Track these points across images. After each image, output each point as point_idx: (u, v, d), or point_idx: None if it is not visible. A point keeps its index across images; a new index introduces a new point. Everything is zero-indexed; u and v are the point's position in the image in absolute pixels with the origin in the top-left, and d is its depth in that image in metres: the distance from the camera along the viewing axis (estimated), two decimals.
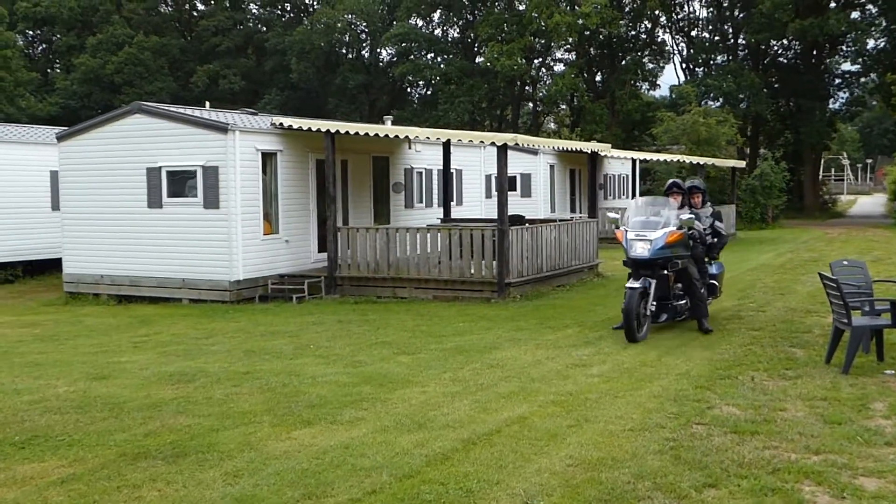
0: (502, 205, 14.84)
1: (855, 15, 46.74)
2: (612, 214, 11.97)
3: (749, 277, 17.57)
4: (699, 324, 11.25)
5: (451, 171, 21.58)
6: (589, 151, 18.43)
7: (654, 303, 10.84)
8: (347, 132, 15.85)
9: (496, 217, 15.26)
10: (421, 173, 20.81)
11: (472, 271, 15.16)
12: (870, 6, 48.34)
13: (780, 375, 8.66)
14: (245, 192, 15.58)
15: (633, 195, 32.43)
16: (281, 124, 16.34)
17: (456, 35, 57.59)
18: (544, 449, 6.34)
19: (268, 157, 16.22)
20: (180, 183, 15.98)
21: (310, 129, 16.18)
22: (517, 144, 14.89)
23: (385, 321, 13.01)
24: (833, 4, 46.14)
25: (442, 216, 19.86)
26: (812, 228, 34.73)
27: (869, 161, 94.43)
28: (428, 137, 16.22)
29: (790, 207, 42.58)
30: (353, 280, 16.07)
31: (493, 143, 14.92)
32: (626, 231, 10.98)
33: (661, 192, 35.48)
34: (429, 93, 57.38)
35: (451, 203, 21.44)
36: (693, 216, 11.21)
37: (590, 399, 7.80)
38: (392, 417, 7.28)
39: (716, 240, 12.11)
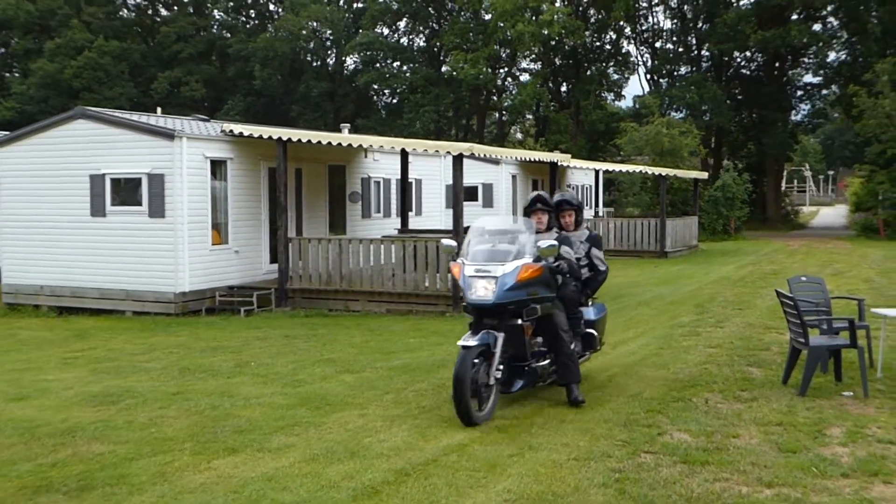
0: (458, 216, 14.44)
1: (817, 27, 47.14)
2: (447, 241, 8.16)
3: (709, 291, 17.33)
4: (568, 392, 8.08)
5: (410, 180, 21.21)
6: (549, 162, 18.09)
7: (501, 366, 7.55)
8: (300, 140, 15.38)
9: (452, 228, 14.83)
10: (379, 183, 20.38)
11: (427, 284, 14.74)
12: (831, 19, 48.83)
13: (735, 397, 8.32)
14: (192, 200, 15.04)
15: (597, 205, 32.27)
16: (231, 131, 15.83)
17: (422, 44, 57.35)
18: (482, 481, 5.92)
19: (217, 165, 15.70)
20: (125, 191, 15.40)
21: (261, 137, 15.69)
22: (473, 154, 14.51)
23: (333, 336, 12.54)
24: (795, 17, 46.48)
25: (400, 227, 19.42)
26: (774, 240, 34.77)
27: (831, 173, 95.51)
28: (382, 146, 15.81)
29: (753, 219, 42.70)
30: (304, 292, 15.57)
31: (448, 153, 14.52)
32: (464, 265, 7.68)
33: (626, 202, 34.99)
34: (395, 102, 57.04)
35: (410, 213, 21.04)
36: (556, 243, 7.67)
37: (536, 424, 7.40)
38: (324, 444, 6.82)
39: (592, 274, 8.94)
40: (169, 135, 14.80)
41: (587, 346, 8.79)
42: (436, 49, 54.81)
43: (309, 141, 15.37)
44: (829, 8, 47.17)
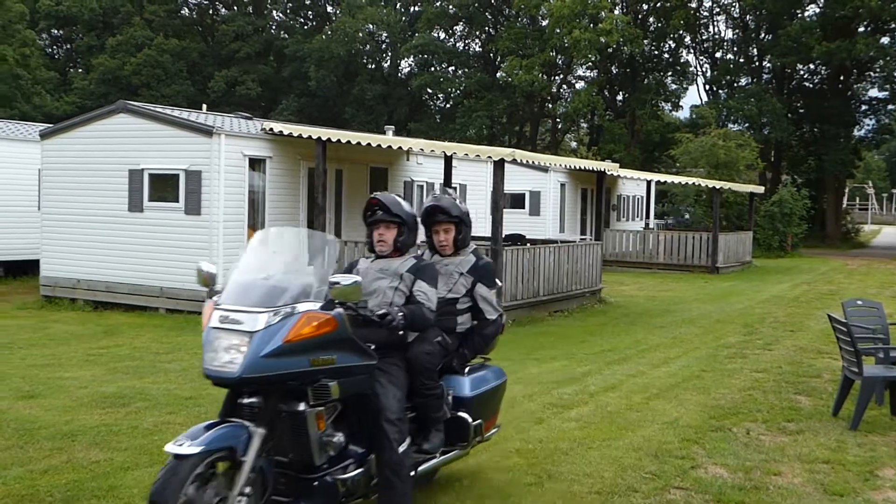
0: (497, 223, 13.97)
1: (884, 40, 45.61)
2: (206, 266, 4.91)
3: (759, 310, 16.58)
4: None
5: (455, 185, 20.79)
6: (596, 170, 17.53)
7: (247, 484, 4.23)
8: (339, 140, 15.06)
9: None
10: (422, 186, 19.98)
11: None
12: None
13: (779, 429, 7.72)
14: (229, 198, 14.81)
15: (647, 217, 31.51)
16: (271, 129, 15.58)
17: (477, 49, 56.99)
18: None
19: (256, 164, 15.45)
20: (163, 187, 15.24)
21: (300, 136, 15.41)
22: (515, 160, 14.03)
23: None
24: (862, 29, 45.02)
25: None
26: (832, 259, 33.57)
27: (895, 191, 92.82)
28: (422, 149, 15.41)
29: (811, 236, 41.37)
30: None
31: (489, 158, 14.07)
32: (216, 307, 4.53)
33: (675, 213, 34.09)
34: (448, 106, 56.76)
35: None
36: (358, 280, 4.44)
37: (559, 450, 6.90)
38: None
39: (476, 324, 5.92)
40: (207, 131, 14.59)
41: (456, 438, 5.55)
42: (491, 54, 54.39)
43: (349, 141, 15.05)
44: None
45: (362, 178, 18.15)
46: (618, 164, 18.42)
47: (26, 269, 19.66)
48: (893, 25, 46.26)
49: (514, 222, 25.11)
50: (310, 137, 15.28)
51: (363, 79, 53.45)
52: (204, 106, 19.46)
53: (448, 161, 18.77)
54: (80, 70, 58.65)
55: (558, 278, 15.89)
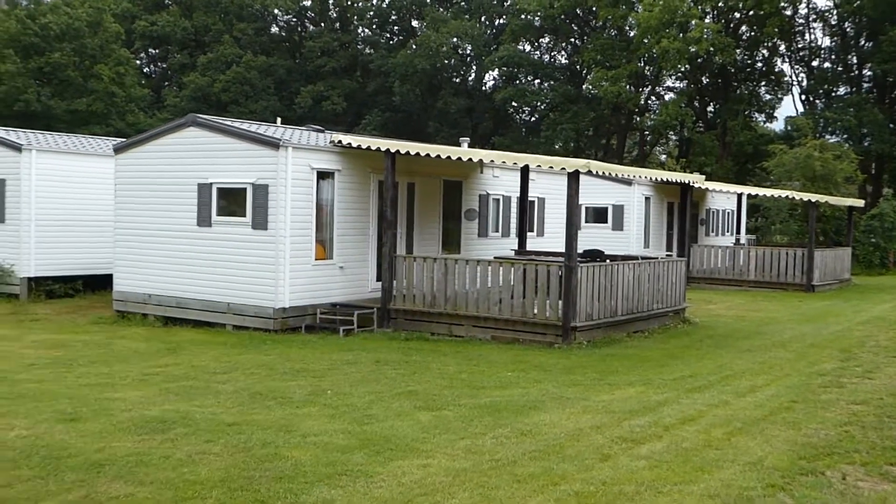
0: (570, 238, 13.23)
1: None
2: None
3: (859, 333, 15.33)
4: None
5: (532, 199, 20.12)
6: (680, 182, 16.60)
7: None
8: (408, 152, 14.58)
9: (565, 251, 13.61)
10: (498, 200, 19.37)
11: (536, 311, 13.58)
12: None
13: (881, 474, 6.79)
14: (296, 212, 14.48)
15: (738, 232, 30.13)
16: (340, 142, 15.22)
17: (563, 61, 56.09)
18: None
19: (324, 177, 15.10)
20: (231, 201, 15.03)
21: (369, 148, 15.00)
22: (590, 171, 13.28)
23: (426, 364, 11.58)
24: None
25: (517, 247, 18.34)
26: None
27: None
28: (493, 161, 14.78)
29: None
30: (407, 313, 14.73)
31: (563, 169, 13.35)
32: None
33: (772, 229, 32.49)
34: (533, 119, 56.02)
35: (531, 234, 19.96)
36: None
37: (624, 494, 6.16)
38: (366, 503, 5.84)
39: None
40: (274, 144, 14.31)
41: None
42: (577, 66, 53.44)
43: (418, 153, 14.56)
44: None
45: (436, 191, 17.65)
46: (703, 177, 17.40)
47: (105, 284, 19.79)
48: None
49: (596, 237, 24.27)
50: (378, 149, 14.85)
51: (447, 92, 53.20)
52: (279, 119, 19.28)
53: (524, 173, 18.12)
54: (173, 87, 60.15)
55: (638, 297, 15.02)
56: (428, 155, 14.54)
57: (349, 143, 15.14)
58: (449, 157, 14.50)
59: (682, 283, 16.49)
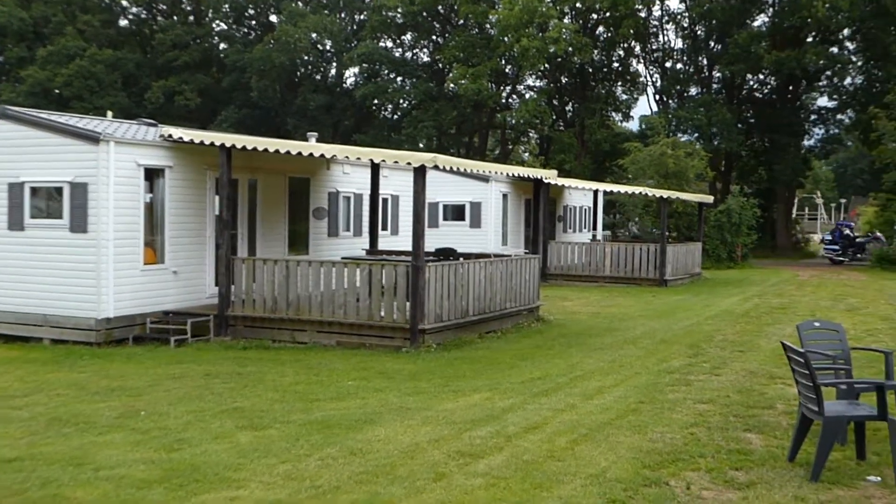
0: (418, 236, 12.60)
1: (833, 50, 45.34)
2: None
3: (707, 327, 15.39)
4: None
5: (385, 196, 19.45)
6: (532, 178, 16.26)
7: None
8: (244, 147, 13.58)
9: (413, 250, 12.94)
10: (349, 198, 18.56)
11: (383, 314, 12.87)
12: (848, 43, 47.03)
13: (726, 481, 6.43)
14: (121, 213, 13.23)
15: (594, 228, 30.41)
16: (170, 136, 14.04)
17: (425, 59, 55.71)
18: None
19: (154, 174, 13.90)
20: (45, 202, 13.62)
21: (203, 143, 13.89)
22: (437, 166, 12.68)
23: (261, 376, 10.67)
24: (810, 39, 44.66)
25: (368, 247, 17.60)
26: (783, 269, 32.78)
27: (843, 201, 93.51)
28: (335, 156, 13.89)
29: (762, 246, 40.71)
30: (247, 320, 13.73)
31: (409, 164, 12.71)
32: None
33: (624, 224, 32.88)
34: (396, 117, 55.40)
35: (385, 233, 19.29)
36: None
37: None
38: None
39: None
40: (93, 138, 13.02)
41: None
42: (440, 64, 53.14)
43: (255, 148, 13.59)
44: (846, 32, 45.43)
45: (281, 189, 16.67)
46: (556, 173, 17.15)
47: None
48: (842, 36, 46.08)
49: (454, 235, 23.82)
50: (213, 144, 13.78)
51: (306, 89, 51.90)
52: (109, 113, 17.78)
53: (375, 170, 17.40)
54: (11, 83, 56.19)
55: (491, 296, 14.55)
56: (266, 150, 13.60)
57: (181, 138, 13.99)
58: (289, 153, 13.59)
59: (535, 281, 16.15)
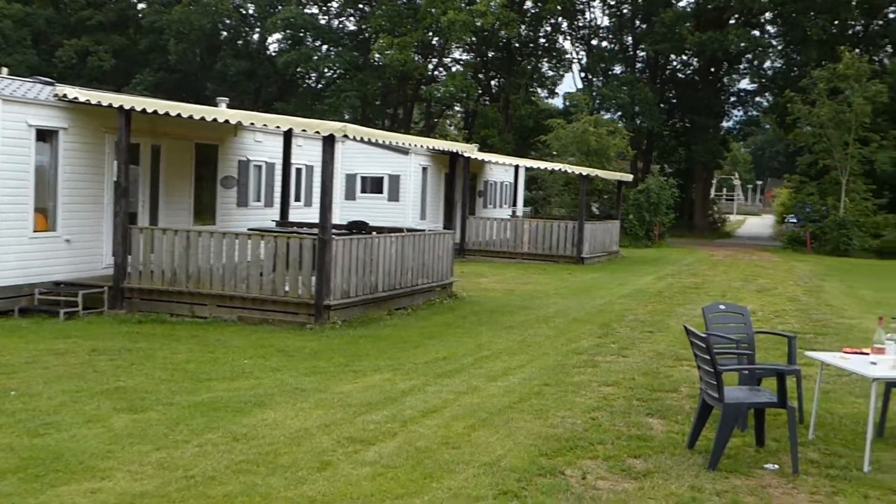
0: (325, 209, 12.11)
1: (755, 33, 46.06)
2: None
3: (619, 306, 15.33)
4: None
5: (300, 166, 18.85)
6: (449, 151, 15.89)
7: None
8: (145, 110, 12.84)
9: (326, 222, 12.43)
10: (260, 167, 17.91)
11: (287, 289, 12.37)
12: (769, 27, 47.86)
13: (623, 469, 6.20)
14: (8, 176, 12.38)
15: (515, 204, 30.28)
16: (65, 96, 13.19)
17: (352, 27, 54.66)
18: None
19: (46, 136, 13.05)
20: None
21: (100, 104, 13.10)
22: (347, 136, 12.19)
23: (151, 353, 10.10)
24: (733, 21, 45.27)
25: (279, 218, 17.02)
26: (699, 249, 33.26)
27: (759, 182, 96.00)
28: (241, 122, 13.20)
29: (679, 225, 41.33)
30: (144, 293, 13.06)
31: (317, 133, 12.18)
32: None
33: (547, 201, 32.90)
34: (321, 86, 54.29)
35: (298, 204, 18.74)
36: None
37: None
38: None
39: None
40: None
41: None
42: (366, 34, 52.16)
43: (156, 112, 12.85)
44: (767, 15, 46.18)
45: (187, 155, 15.93)
46: (475, 147, 16.82)
47: None
48: (763, 19, 46.85)
49: (372, 208, 23.39)
50: (111, 106, 13.00)
51: (227, 54, 50.44)
52: (4, 70, 16.68)
53: (287, 138, 16.79)
54: None
55: (402, 271, 14.17)
56: (168, 114, 12.88)
57: (76, 98, 13.15)
58: (193, 117, 12.90)
59: (449, 257, 15.84)
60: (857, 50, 36.75)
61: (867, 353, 6.86)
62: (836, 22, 41.59)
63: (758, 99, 50.46)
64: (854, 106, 32.84)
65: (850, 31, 43.24)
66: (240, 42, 53.75)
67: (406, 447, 6.60)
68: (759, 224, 63.22)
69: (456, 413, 7.67)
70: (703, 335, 6.43)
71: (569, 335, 12.10)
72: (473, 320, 13.41)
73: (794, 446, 6.29)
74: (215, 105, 19.82)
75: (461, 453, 6.47)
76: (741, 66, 49.44)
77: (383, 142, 14.49)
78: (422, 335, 11.88)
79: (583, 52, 51.75)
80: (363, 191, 24.81)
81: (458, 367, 9.76)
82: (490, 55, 51.11)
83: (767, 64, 48.45)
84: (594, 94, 45.53)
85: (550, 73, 54.10)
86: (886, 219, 34.26)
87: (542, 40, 51.73)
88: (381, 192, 24.67)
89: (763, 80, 48.41)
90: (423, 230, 16.58)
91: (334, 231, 13.23)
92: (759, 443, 6.86)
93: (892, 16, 44.05)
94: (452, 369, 9.59)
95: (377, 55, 45.82)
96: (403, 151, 23.99)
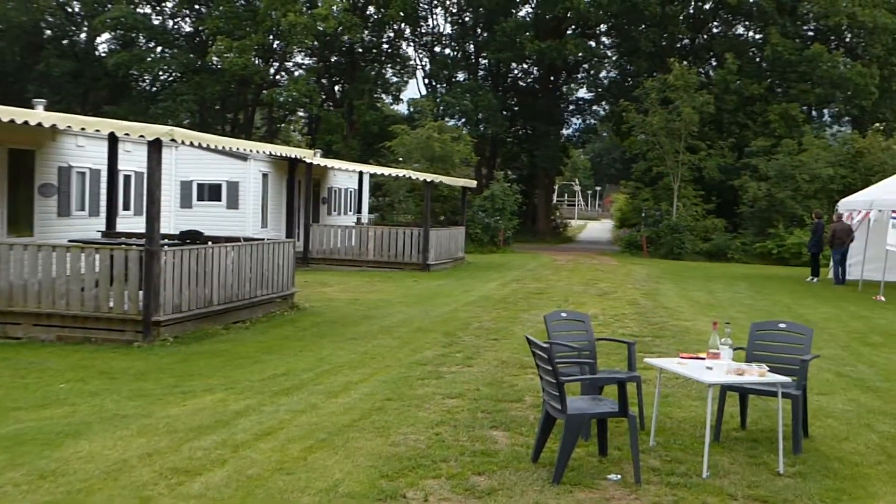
0: (152, 218, 11.33)
1: (591, 43, 47.68)
2: None
3: (465, 313, 15.23)
4: None
5: (129, 172, 17.79)
6: (287, 157, 15.32)
7: None
8: None
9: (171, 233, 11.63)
10: (84, 174, 16.72)
11: (112, 304, 11.50)
12: (605, 38, 49.67)
13: (467, 489, 5.94)
14: None
15: (360, 211, 29.90)
16: None
17: (188, 29, 52.67)
18: None
19: None
20: None
21: None
22: (174, 140, 11.46)
23: None
24: (570, 31, 46.67)
25: (105, 228, 15.92)
26: (542, 254, 33.95)
27: (598, 188, 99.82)
28: (56, 125, 12.24)
29: (523, 231, 42.13)
30: None
31: (141, 137, 11.38)
32: None
33: (390, 207, 32.45)
34: (155, 89, 51.96)
35: (127, 213, 17.66)
36: None
37: None
38: None
39: None
40: None
41: None
42: (203, 36, 50.35)
43: None
44: (602, 27, 47.89)
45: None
46: (313, 152, 16.32)
47: None
48: (598, 31, 48.56)
49: (209, 217, 22.43)
50: None
51: (50, 53, 47.41)
52: None
53: (112, 143, 15.73)
54: None
55: (239, 283, 13.50)
56: None
57: None
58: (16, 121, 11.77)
59: (290, 267, 15.27)
60: (685, 62, 38.58)
61: (703, 358, 6.92)
62: (665, 35, 43.57)
63: (595, 107, 52.30)
64: (683, 115, 34.43)
65: (678, 45, 45.41)
66: (65, 41, 50.75)
67: (236, 476, 6.10)
68: (599, 229, 65.55)
69: (292, 434, 7.22)
70: (545, 345, 6.27)
71: (413, 345, 11.83)
72: (315, 332, 12.92)
73: (635, 456, 6.23)
74: (48, 109, 18.39)
75: (296, 479, 6.04)
76: (579, 76, 51.08)
77: (219, 147, 13.75)
78: (259, 350, 11.29)
79: (426, 59, 52.04)
80: (200, 198, 23.76)
81: (297, 383, 9.28)
82: (333, 60, 50.51)
83: (603, 74, 50.30)
84: (438, 100, 45.78)
85: (395, 79, 54.11)
86: (715, 223, 36.09)
87: (386, 46, 51.64)
88: (219, 199, 23.69)
89: (599, 90, 50.19)
90: (263, 239, 15.91)
91: (166, 241, 12.45)
92: (603, 452, 6.78)
93: (716, 30, 46.65)
94: (291, 386, 9.11)
95: (215, 58, 44.32)
96: (242, 157, 23.14)
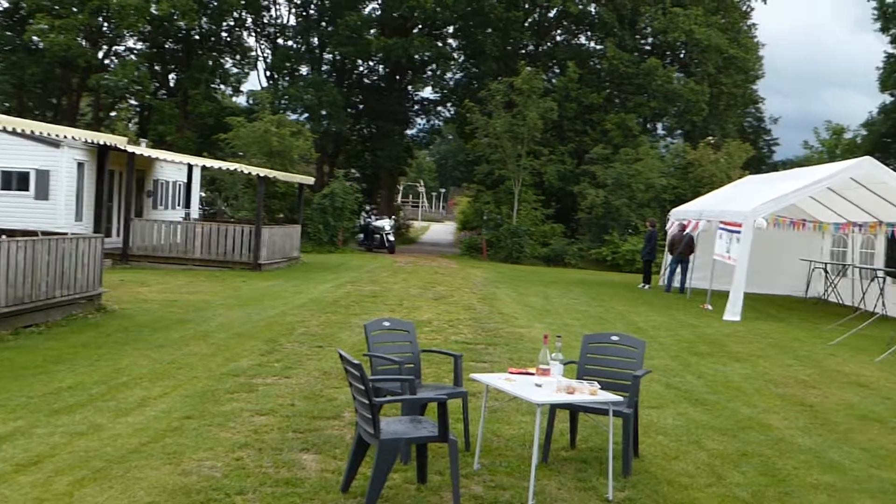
0: None
1: (438, 44, 47.45)
2: None
3: (292, 317, 14.27)
4: None
5: None
6: (96, 143, 13.87)
7: None
8: None
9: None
10: None
11: None
12: (451, 40, 49.58)
13: None
14: None
15: (188, 206, 28.23)
16: None
17: (5, 4, 48.56)
18: None
19: None
20: None
21: None
22: None
23: None
24: (417, 30, 46.28)
25: None
26: (382, 255, 33.25)
27: (443, 190, 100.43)
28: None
29: None
30: None
31: None
32: None
33: (227, 203, 30.62)
34: None
35: None
36: None
37: None
38: None
39: None
40: None
41: None
42: (23, 12, 46.55)
43: None
44: (449, 29, 47.76)
45: None
46: (125, 138, 14.92)
47: None
48: (445, 32, 48.40)
49: (15, 208, 20.47)
50: None
51: None
52: None
53: None
54: None
55: (33, 282, 12.01)
56: None
57: None
58: None
59: (98, 264, 13.84)
60: (530, 67, 38.91)
61: (532, 374, 6.36)
62: (510, 40, 43.89)
63: (440, 108, 52.13)
64: (527, 120, 34.63)
65: (523, 50, 45.87)
66: None
67: None
68: (442, 230, 65.63)
69: (63, 464, 6.13)
70: (357, 362, 5.49)
71: (228, 353, 10.80)
72: (119, 338, 11.63)
73: (455, 485, 5.57)
74: None
75: None
76: (426, 75, 50.77)
77: (17, 130, 12.14)
78: (48, 359, 9.95)
79: (268, 50, 50.25)
80: (5, 187, 21.57)
81: (85, 399, 8.11)
82: (168, 46, 47.92)
83: (449, 75, 50.18)
84: (280, 93, 44.25)
85: (235, 70, 51.99)
86: (553, 228, 36.53)
87: (225, 35, 49.50)
88: (26, 189, 21.58)
89: (445, 91, 50.06)
90: (66, 234, 14.36)
91: None
92: (422, 479, 6.09)
93: (559, 38, 47.49)
94: (75, 403, 7.94)
95: (35, 37, 41.02)
96: (55, 144, 21.17)
